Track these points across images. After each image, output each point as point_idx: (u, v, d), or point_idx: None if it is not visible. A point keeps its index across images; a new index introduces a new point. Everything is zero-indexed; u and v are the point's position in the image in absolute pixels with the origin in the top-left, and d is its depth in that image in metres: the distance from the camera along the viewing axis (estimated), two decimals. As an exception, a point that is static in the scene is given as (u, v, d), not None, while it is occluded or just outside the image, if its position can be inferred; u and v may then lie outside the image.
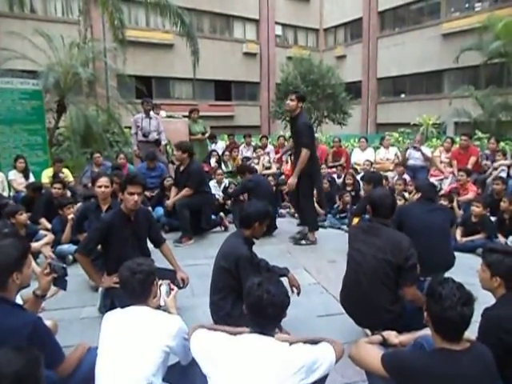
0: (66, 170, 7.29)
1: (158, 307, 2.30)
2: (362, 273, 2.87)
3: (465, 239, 5.38)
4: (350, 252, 3.05)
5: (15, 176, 6.96)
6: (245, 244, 3.00)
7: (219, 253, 3.10)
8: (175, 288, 2.60)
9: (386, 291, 2.80)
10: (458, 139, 8.82)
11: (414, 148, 8.19)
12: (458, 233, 5.49)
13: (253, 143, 9.90)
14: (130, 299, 2.14)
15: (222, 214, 6.60)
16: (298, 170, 5.31)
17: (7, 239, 2.01)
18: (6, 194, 6.58)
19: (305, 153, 5.26)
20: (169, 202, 5.90)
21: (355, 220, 5.45)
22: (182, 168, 5.82)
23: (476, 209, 5.36)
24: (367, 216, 5.39)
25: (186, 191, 5.69)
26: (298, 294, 3.24)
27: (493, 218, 5.62)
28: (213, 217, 6.36)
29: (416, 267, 2.80)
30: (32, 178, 7.05)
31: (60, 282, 2.41)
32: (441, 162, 7.99)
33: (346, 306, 3.07)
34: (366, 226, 3.11)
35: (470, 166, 7.34)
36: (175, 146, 5.82)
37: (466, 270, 3.74)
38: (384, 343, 2.11)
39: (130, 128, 8.93)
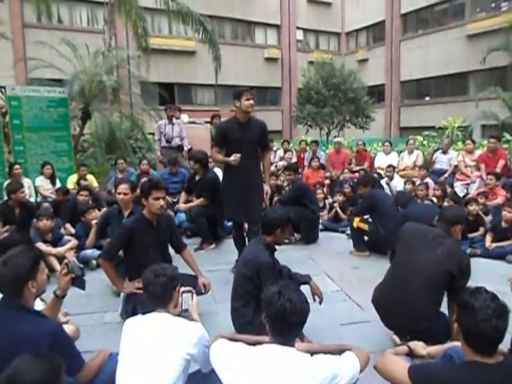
0: (90, 176, 7.41)
1: (180, 313, 2.29)
2: (414, 276, 2.79)
3: (494, 245, 5.20)
4: (405, 252, 2.97)
5: (42, 182, 7.12)
6: (266, 250, 2.97)
7: (240, 259, 3.07)
8: (194, 295, 2.58)
9: (432, 301, 2.76)
10: (485, 142, 8.58)
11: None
12: (488, 239, 5.31)
13: (274, 148, 9.88)
14: (151, 302, 2.14)
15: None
16: (268, 175, 4.91)
17: (18, 248, 2.02)
18: (32, 199, 6.73)
19: (270, 157, 5.00)
20: (181, 206, 5.96)
21: (356, 219, 5.39)
22: (197, 177, 5.88)
23: (508, 214, 5.16)
24: (367, 216, 5.45)
25: (201, 201, 5.76)
26: (320, 302, 3.18)
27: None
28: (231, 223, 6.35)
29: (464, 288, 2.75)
30: (58, 184, 7.19)
31: (78, 281, 2.44)
32: (466, 166, 7.76)
33: (380, 304, 3.01)
34: (430, 231, 3.00)
35: (498, 170, 7.12)
36: (189, 155, 5.90)
37: (496, 277, 3.62)
38: (411, 354, 2.03)
39: (153, 134, 9.03)
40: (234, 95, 4.28)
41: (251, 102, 4.24)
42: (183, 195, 6.11)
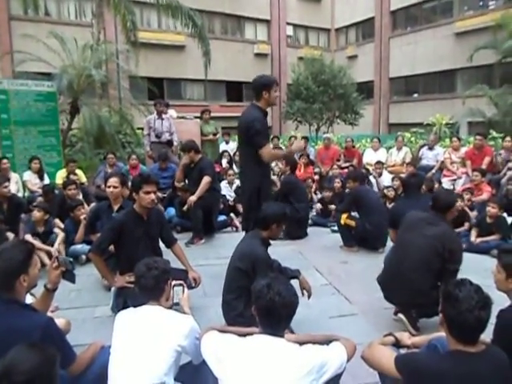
0: (79, 171, 7.36)
1: (172, 306, 2.31)
2: (410, 255, 3.11)
3: (479, 240, 5.30)
4: (405, 234, 3.30)
5: (30, 177, 7.05)
6: (262, 245, 3.01)
7: (235, 253, 3.10)
8: (186, 289, 2.61)
9: (427, 277, 3.06)
10: (471, 139, 8.70)
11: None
12: (473, 234, 5.42)
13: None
14: (142, 295, 2.16)
15: (232, 214, 6.61)
16: None
17: (11, 242, 2.02)
18: (20, 194, 6.66)
19: None
20: (191, 199, 5.60)
21: (343, 216, 5.46)
22: (192, 165, 5.86)
23: (492, 210, 5.28)
24: (354, 213, 5.53)
25: (206, 181, 5.58)
26: (309, 297, 3.25)
27: (508, 219, 5.53)
28: (223, 217, 6.38)
29: (457, 273, 3.05)
30: (47, 179, 7.14)
31: (68, 275, 2.46)
32: (452, 162, 7.89)
33: (385, 282, 3.35)
34: (426, 216, 3.30)
35: (484, 166, 7.24)
36: (182, 149, 5.88)
37: (481, 271, 3.69)
38: (397, 344, 2.09)
39: (142, 129, 9.00)
40: (264, 84, 3.78)
41: (278, 93, 3.93)
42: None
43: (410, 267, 3.08)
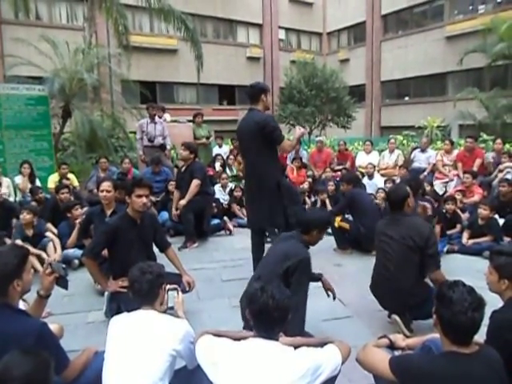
0: (71, 176, 7.32)
1: (166, 310, 2.30)
2: (389, 259, 3.18)
3: (471, 241, 5.35)
4: (378, 243, 3.34)
5: (21, 181, 6.99)
6: (305, 247, 2.97)
7: (274, 252, 3.00)
8: (180, 293, 2.61)
9: (410, 276, 3.12)
10: (462, 141, 8.78)
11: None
12: (465, 235, 5.46)
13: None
14: (137, 299, 2.15)
15: (225, 217, 6.61)
16: None
17: (6, 246, 2.01)
18: (12, 198, 6.61)
19: None
20: (181, 203, 5.66)
21: (337, 219, 5.48)
22: (184, 168, 5.85)
23: (483, 211, 5.33)
24: (347, 215, 5.55)
25: (195, 184, 5.59)
26: (334, 298, 3.30)
27: (500, 221, 5.58)
28: (217, 221, 6.37)
29: (438, 254, 3.11)
30: (38, 183, 7.08)
31: (62, 281, 2.44)
32: (444, 165, 7.97)
33: (375, 290, 3.41)
34: (389, 218, 3.40)
35: (475, 169, 7.31)
36: (183, 144, 5.87)
37: (473, 272, 3.73)
38: (391, 346, 2.09)
39: (134, 133, 8.96)
40: (263, 88, 4.09)
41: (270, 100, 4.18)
42: (176, 193, 5.95)
43: (394, 270, 3.15)
